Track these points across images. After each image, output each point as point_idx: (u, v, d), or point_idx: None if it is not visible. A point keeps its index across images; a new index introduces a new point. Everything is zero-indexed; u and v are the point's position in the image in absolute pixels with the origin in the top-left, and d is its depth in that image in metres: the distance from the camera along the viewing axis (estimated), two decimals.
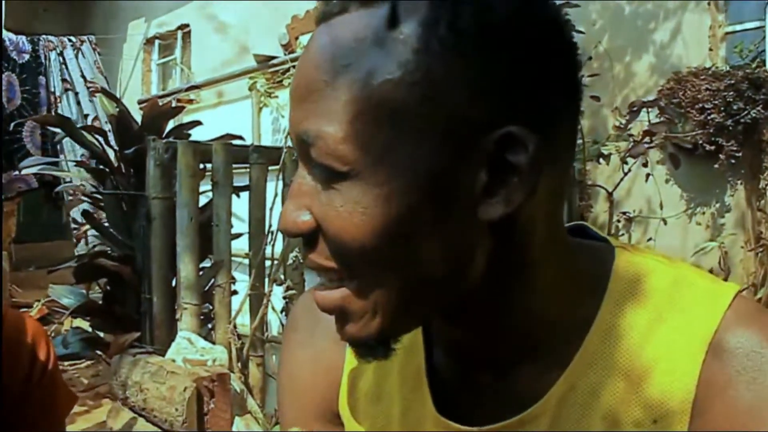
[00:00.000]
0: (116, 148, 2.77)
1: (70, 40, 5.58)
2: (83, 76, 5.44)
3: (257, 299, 2.56)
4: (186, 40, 6.53)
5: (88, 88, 5.38)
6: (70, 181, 2.99)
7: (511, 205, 0.45)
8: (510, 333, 0.52)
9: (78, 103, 5.32)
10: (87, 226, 3.02)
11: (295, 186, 0.48)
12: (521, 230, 0.48)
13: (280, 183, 2.59)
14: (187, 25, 6.43)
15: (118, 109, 2.68)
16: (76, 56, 5.55)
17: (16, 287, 5.30)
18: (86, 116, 4.05)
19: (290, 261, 2.40)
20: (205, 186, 2.65)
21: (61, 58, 5.45)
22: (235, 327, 2.47)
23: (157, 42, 6.93)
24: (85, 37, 5.73)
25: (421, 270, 0.46)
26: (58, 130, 3.02)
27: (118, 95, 5.80)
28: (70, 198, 3.71)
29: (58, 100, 5.29)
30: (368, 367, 0.60)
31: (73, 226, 4.47)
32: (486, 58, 0.43)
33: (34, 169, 3.16)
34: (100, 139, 2.76)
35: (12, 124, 4.23)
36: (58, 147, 5.00)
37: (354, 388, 0.61)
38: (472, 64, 0.43)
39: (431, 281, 0.47)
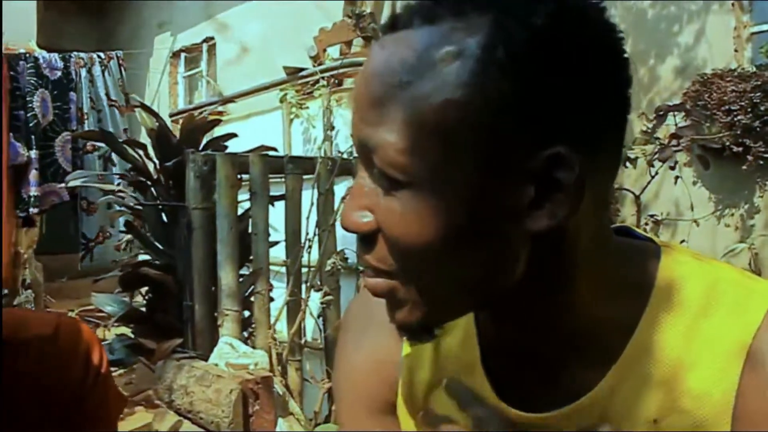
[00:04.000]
0: (155, 160, 2.86)
1: (99, 57, 5.72)
2: (107, 94, 5.58)
3: (294, 305, 2.63)
4: (211, 53, 6.65)
5: (110, 106, 5.52)
6: (112, 194, 3.08)
7: (556, 219, 0.48)
8: (556, 331, 0.55)
9: (99, 120, 5.45)
10: (126, 236, 3.10)
11: (356, 187, 0.51)
12: (566, 239, 0.50)
13: (315, 192, 2.67)
14: (212, 38, 6.56)
15: (157, 124, 2.77)
16: (103, 73, 5.70)
17: (50, 297, 5.43)
18: (125, 130, 4.17)
19: (327, 267, 2.46)
20: (241, 196, 2.74)
21: (89, 75, 5.60)
22: (274, 332, 2.54)
23: (182, 55, 7.06)
24: (113, 54, 5.87)
25: (467, 272, 0.50)
26: (102, 144, 3.11)
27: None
28: (113, 210, 3.82)
29: (86, 117, 5.43)
30: (425, 359, 0.64)
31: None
32: (539, 82, 0.46)
33: (78, 182, 3.27)
34: (140, 152, 2.85)
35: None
36: (84, 161, 5.15)
37: (411, 380, 0.65)
38: (525, 87, 0.45)
39: (474, 282, 0.50)
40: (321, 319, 2.69)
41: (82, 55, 5.57)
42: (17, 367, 0.77)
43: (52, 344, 0.80)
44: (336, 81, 3.38)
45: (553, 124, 0.46)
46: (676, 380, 0.53)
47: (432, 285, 0.50)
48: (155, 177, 2.86)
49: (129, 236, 2.93)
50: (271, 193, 2.70)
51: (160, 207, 2.76)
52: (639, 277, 0.56)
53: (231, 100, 3.43)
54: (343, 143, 3.18)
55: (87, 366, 0.82)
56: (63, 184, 4.69)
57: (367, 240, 0.51)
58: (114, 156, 4.24)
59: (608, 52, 0.49)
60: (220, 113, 3.99)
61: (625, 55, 0.50)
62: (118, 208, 3.06)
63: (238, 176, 2.66)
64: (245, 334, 2.75)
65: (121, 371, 3.56)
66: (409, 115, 0.46)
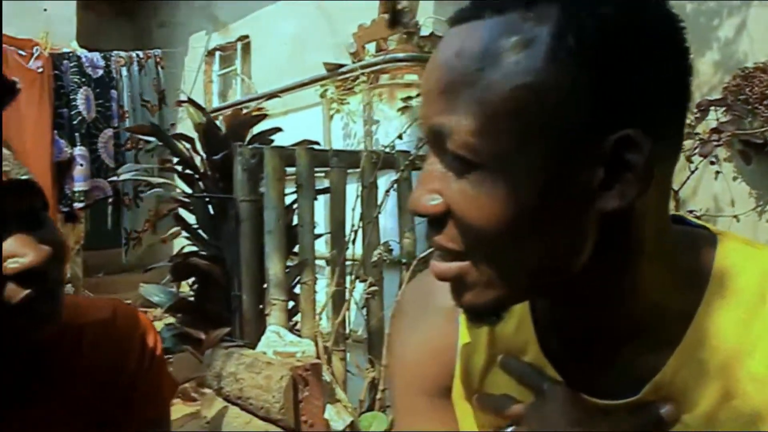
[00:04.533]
0: (203, 154, 2.93)
1: (137, 56, 5.85)
2: (141, 94, 5.71)
3: (339, 296, 2.68)
4: (246, 51, 6.74)
5: (142, 106, 5.65)
6: (159, 187, 3.16)
7: (626, 199, 0.50)
8: (618, 316, 0.57)
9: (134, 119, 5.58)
10: (173, 229, 3.18)
11: (426, 172, 0.54)
12: (633, 222, 0.52)
13: (359, 186, 2.72)
14: (247, 37, 6.65)
15: (204, 118, 2.84)
16: (140, 72, 5.83)
17: (88, 292, 5.56)
18: (173, 125, 4.28)
19: (374, 258, 2.51)
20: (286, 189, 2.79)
21: (129, 74, 5.73)
22: (319, 321, 2.60)
23: (217, 54, 7.17)
24: (152, 53, 6.00)
25: (536, 253, 0.51)
26: (151, 138, 3.20)
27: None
28: (161, 203, 3.92)
29: (126, 114, 5.56)
30: (481, 344, 0.66)
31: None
32: (608, 68, 0.48)
33: (128, 175, 3.37)
34: (188, 146, 2.93)
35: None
36: (125, 157, 5.27)
37: (468, 365, 0.67)
38: (595, 73, 0.48)
39: (544, 262, 0.52)
40: (365, 310, 2.74)
41: (122, 54, 5.70)
42: (76, 351, 0.80)
43: (109, 328, 0.83)
44: (375, 77, 3.43)
45: (623, 108, 0.48)
46: (735, 366, 0.55)
47: (502, 265, 0.52)
48: (202, 170, 2.93)
49: (176, 229, 3.01)
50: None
51: (207, 200, 2.83)
52: (697, 264, 0.58)
53: (276, 95, 3.50)
54: (383, 138, 3.23)
55: (143, 349, 0.85)
56: (105, 180, 4.81)
57: (436, 222, 0.53)
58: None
59: (671, 40, 0.51)
60: (259, 110, 4.06)
61: (686, 44, 0.52)
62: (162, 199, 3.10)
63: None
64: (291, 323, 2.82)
65: (170, 359, 3.65)
66: (483, 100, 0.49)
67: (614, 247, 0.53)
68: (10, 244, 0.60)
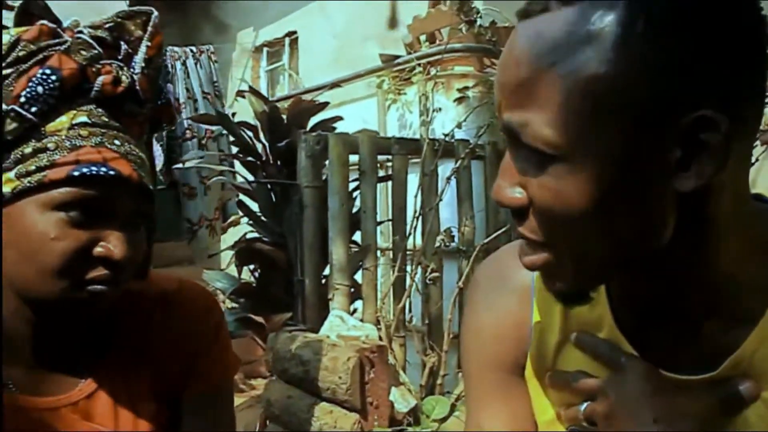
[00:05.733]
0: (264, 142, 2.99)
1: (192, 51, 5.97)
2: (201, 86, 5.81)
3: (399, 282, 2.70)
4: (293, 47, 6.83)
5: (204, 97, 5.74)
6: (222, 174, 3.23)
7: (703, 178, 0.50)
8: (699, 289, 0.57)
9: (195, 110, 5.68)
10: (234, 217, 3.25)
11: (506, 164, 0.55)
12: (711, 199, 0.53)
13: (419, 173, 2.74)
14: (294, 32, 6.73)
15: (268, 107, 2.90)
16: (196, 66, 5.94)
17: None
18: (234, 114, 4.36)
19: (437, 244, 2.53)
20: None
21: (184, 68, 5.84)
22: (383, 306, 2.63)
23: (265, 50, 7.28)
24: (204, 48, 6.11)
25: (619, 235, 0.53)
26: (213, 127, 3.27)
27: (228, 101, 6.17)
28: (223, 190, 4.01)
29: (183, 106, 5.66)
30: (555, 323, 0.67)
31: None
32: (680, 50, 0.48)
33: (193, 162, 3.45)
34: (250, 134, 2.99)
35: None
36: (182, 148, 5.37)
37: (542, 341, 0.68)
38: (667, 56, 0.48)
39: (626, 244, 0.53)
40: (424, 297, 2.76)
41: (176, 49, 5.81)
42: (149, 320, 0.84)
43: (177, 301, 0.86)
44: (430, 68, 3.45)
45: (696, 88, 0.49)
46: None
47: (587, 252, 0.54)
48: (264, 158, 2.98)
49: (235, 217, 3.07)
50: None
51: (270, 187, 2.88)
52: None
53: (337, 85, 3.54)
54: (439, 128, 3.24)
55: (207, 321, 0.88)
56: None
57: (519, 214, 0.55)
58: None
59: (744, 17, 0.51)
60: (311, 101, 4.12)
61: (764, 24, 0.52)
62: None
63: None
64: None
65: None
66: (556, 92, 0.49)
67: (692, 223, 0.54)
68: (114, 234, 0.72)
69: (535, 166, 0.52)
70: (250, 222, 2.95)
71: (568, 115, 0.49)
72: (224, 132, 3.13)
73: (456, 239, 2.69)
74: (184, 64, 5.82)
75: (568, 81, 0.49)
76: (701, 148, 0.49)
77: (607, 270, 0.57)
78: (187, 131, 4.90)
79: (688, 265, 0.56)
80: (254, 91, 2.92)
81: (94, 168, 0.70)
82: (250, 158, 2.98)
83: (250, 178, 3.05)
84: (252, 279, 3.11)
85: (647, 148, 0.50)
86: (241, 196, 3.11)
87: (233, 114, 3.65)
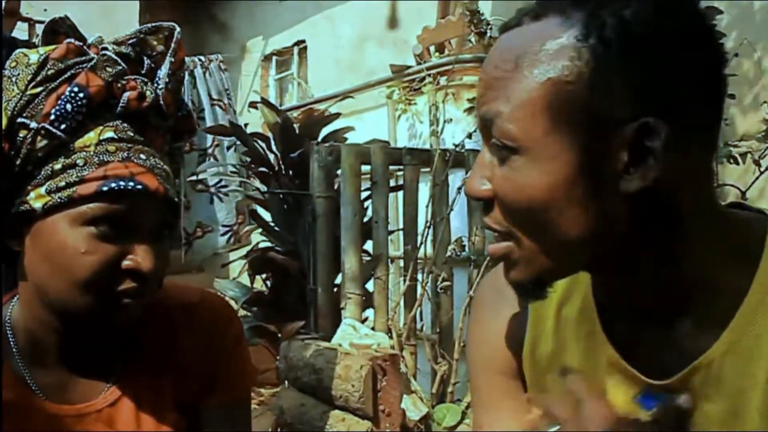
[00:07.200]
0: (277, 153, 3.03)
1: (200, 60, 6.01)
2: (209, 94, 5.85)
3: (410, 291, 2.73)
4: (302, 56, 6.88)
5: (212, 105, 5.77)
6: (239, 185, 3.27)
7: (647, 180, 0.56)
8: (664, 288, 0.62)
9: (202, 119, 5.72)
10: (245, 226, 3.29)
11: (479, 159, 0.62)
12: (661, 201, 0.58)
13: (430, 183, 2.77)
14: (303, 41, 6.79)
15: (281, 118, 2.94)
16: (205, 75, 5.98)
17: None
18: (246, 125, 4.38)
19: (448, 254, 2.56)
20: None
21: (191, 78, 5.88)
22: (394, 315, 2.66)
23: (274, 58, 7.33)
24: (213, 56, 6.16)
25: (571, 230, 0.58)
26: (226, 138, 3.31)
27: (238, 109, 6.19)
28: (238, 200, 4.05)
29: None
30: (548, 331, 0.72)
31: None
32: (628, 64, 0.55)
33: (209, 173, 3.49)
34: (263, 144, 3.03)
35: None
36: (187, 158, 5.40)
37: (535, 351, 0.73)
38: (616, 69, 0.55)
39: (579, 239, 0.58)
40: (435, 306, 2.78)
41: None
42: (170, 332, 0.87)
43: (197, 312, 0.89)
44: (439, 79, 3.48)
45: (641, 99, 0.55)
46: None
47: (541, 243, 0.60)
48: (276, 168, 3.02)
49: (249, 227, 3.10)
50: None
51: (283, 197, 2.92)
52: (748, 243, 0.61)
53: (348, 95, 3.58)
54: (449, 138, 3.28)
55: (228, 333, 0.90)
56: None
57: (486, 205, 0.62)
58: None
59: (694, 35, 0.57)
60: (322, 111, 4.17)
61: (717, 41, 0.59)
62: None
63: None
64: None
65: None
66: (519, 91, 0.57)
67: (649, 223, 0.59)
68: (141, 247, 0.74)
69: (500, 159, 0.59)
70: (263, 231, 2.98)
71: (528, 114, 0.57)
72: (229, 143, 3.15)
73: (466, 248, 2.72)
74: (191, 74, 5.86)
75: (530, 83, 0.57)
76: (646, 153, 0.55)
77: (562, 263, 0.62)
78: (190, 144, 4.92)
79: (656, 267, 0.61)
80: (266, 102, 2.96)
81: (122, 183, 0.72)
82: (262, 168, 3.02)
83: (263, 188, 3.09)
84: (264, 288, 3.14)
85: (595, 151, 0.56)
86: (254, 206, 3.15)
87: (246, 125, 3.68)
